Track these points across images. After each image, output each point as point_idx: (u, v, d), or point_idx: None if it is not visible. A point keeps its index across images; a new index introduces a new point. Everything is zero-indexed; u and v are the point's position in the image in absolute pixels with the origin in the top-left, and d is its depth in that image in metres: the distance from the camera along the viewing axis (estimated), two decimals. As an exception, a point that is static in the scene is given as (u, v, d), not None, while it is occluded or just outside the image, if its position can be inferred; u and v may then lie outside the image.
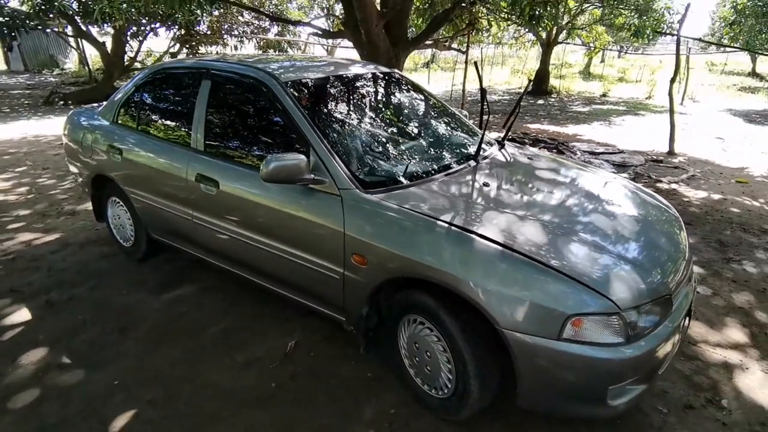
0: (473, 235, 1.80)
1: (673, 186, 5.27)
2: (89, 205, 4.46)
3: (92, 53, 13.60)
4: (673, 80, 6.73)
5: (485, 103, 2.39)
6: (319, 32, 6.45)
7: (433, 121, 2.79)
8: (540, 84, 14.12)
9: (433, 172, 2.30)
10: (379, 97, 2.84)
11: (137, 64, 12.14)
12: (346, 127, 2.42)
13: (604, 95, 13.97)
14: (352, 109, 2.60)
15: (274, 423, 2.04)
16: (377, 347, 2.27)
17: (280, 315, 2.76)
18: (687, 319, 1.92)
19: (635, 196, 2.43)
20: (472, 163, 2.46)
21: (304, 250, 2.22)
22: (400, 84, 3.04)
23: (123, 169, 3.04)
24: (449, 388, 1.93)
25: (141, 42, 12.01)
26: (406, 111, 2.83)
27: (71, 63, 13.88)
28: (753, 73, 19.66)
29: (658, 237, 2.08)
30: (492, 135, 2.82)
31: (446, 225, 1.86)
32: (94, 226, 4.00)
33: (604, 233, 1.96)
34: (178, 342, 2.56)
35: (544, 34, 13.92)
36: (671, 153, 6.78)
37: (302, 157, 2.08)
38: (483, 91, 2.28)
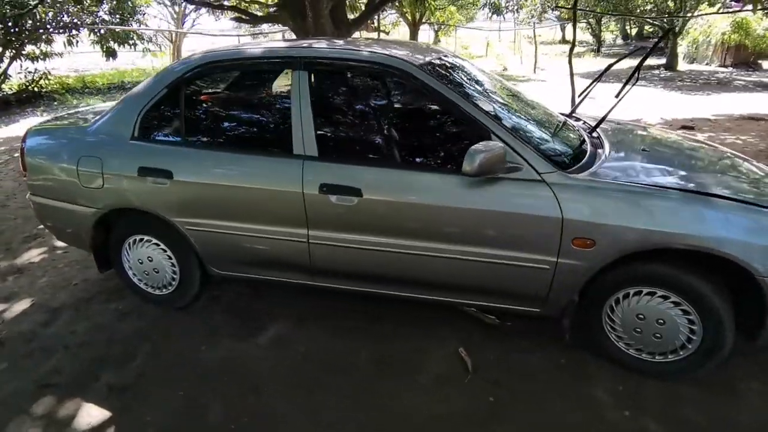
0: (716, 198, 1.86)
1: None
2: (32, 257, 3.44)
3: None
4: (571, 50, 7.63)
5: (637, 74, 2.48)
6: (244, 17, 5.73)
7: (531, 101, 2.75)
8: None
9: (586, 149, 2.29)
10: (489, 79, 2.67)
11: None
12: (503, 110, 2.25)
13: (466, 70, 15.15)
14: (485, 91, 2.41)
15: (523, 435, 1.88)
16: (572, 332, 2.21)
17: (416, 325, 2.50)
18: None
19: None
20: (593, 134, 2.53)
21: (498, 248, 2.04)
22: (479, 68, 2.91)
23: (173, 196, 2.37)
24: (688, 349, 1.99)
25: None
26: (512, 92, 2.72)
27: None
28: (563, 41, 23.21)
29: None
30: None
31: (680, 191, 1.89)
32: (69, 282, 3.07)
33: None
34: (330, 385, 2.16)
35: (410, 16, 14.49)
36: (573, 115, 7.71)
37: (500, 144, 1.90)
38: (644, 55, 2.38)
